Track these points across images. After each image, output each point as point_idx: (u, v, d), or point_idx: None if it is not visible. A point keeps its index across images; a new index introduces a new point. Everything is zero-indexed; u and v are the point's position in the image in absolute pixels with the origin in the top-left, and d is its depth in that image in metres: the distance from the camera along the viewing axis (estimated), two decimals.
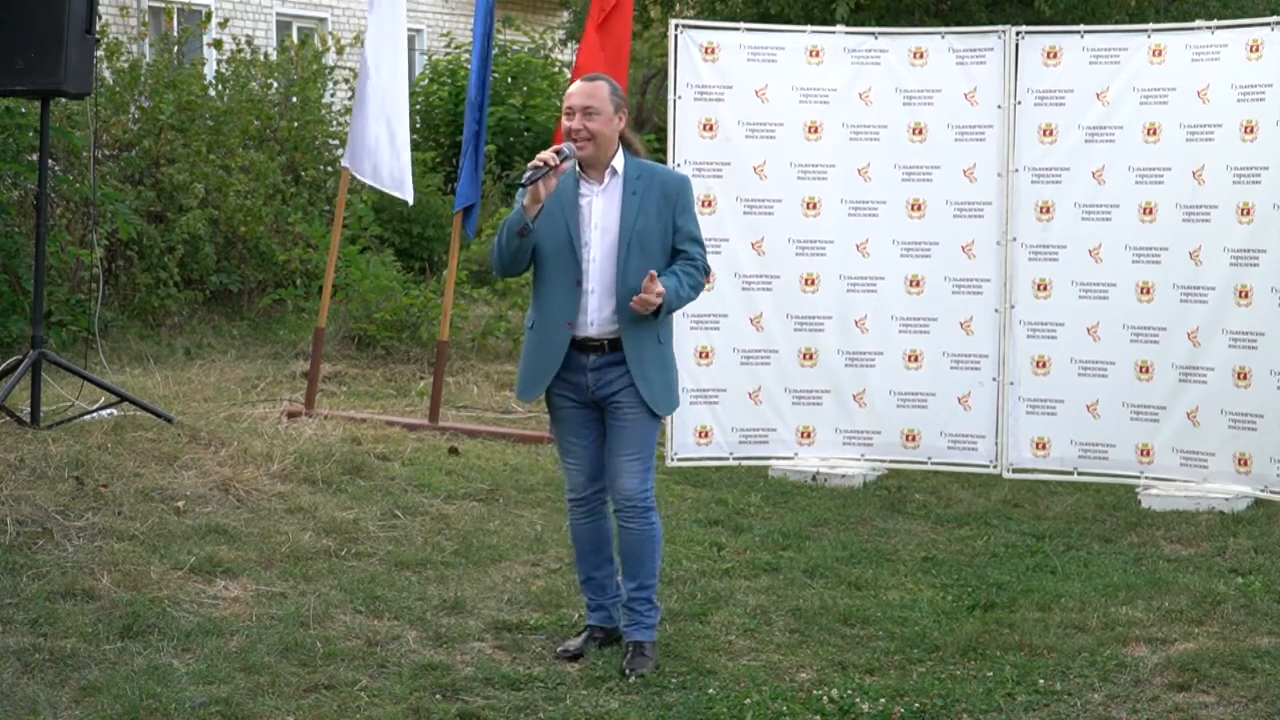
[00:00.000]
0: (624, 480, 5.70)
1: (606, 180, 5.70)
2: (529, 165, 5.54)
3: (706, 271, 5.80)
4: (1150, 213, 8.77)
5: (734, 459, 9.27)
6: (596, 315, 5.67)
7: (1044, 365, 9.02)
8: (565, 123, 5.66)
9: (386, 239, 14.93)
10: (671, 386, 5.79)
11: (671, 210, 5.70)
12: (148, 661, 5.52)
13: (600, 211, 5.68)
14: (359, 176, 10.12)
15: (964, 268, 9.13)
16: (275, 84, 14.88)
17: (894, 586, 6.88)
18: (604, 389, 5.69)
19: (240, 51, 14.78)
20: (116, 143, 12.86)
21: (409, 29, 21.22)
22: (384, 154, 9.94)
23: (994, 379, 9.10)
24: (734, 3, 14.97)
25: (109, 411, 8.49)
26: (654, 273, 5.55)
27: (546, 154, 5.54)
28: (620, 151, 5.72)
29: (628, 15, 9.53)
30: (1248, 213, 8.43)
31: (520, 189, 5.57)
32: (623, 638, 5.86)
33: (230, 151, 13.29)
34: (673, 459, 9.14)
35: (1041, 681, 5.62)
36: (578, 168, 5.71)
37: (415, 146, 17.41)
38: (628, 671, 5.64)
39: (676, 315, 8.83)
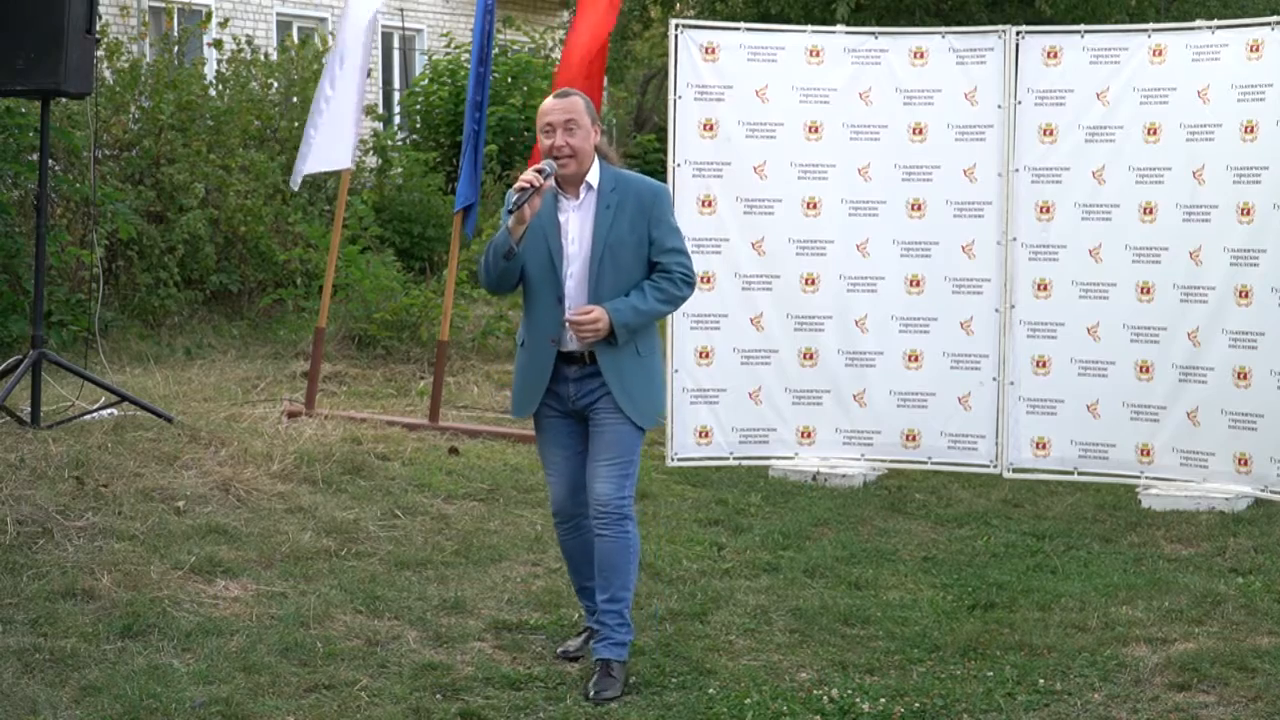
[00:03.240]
0: (599, 485, 5.58)
1: (582, 196, 5.61)
2: (513, 188, 5.45)
3: (688, 282, 5.62)
4: (1150, 213, 8.77)
5: (734, 459, 9.27)
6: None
7: (1044, 365, 9.02)
8: (545, 141, 5.54)
9: (386, 239, 14.93)
10: (655, 400, 5.68)
11: (646, 222, 5.58)
12: (148, 661, 5.52)
13: (576, 227, 5.59)
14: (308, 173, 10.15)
15: (964, 268, 9.13)
16: (275, 84, 14.89)
17: (894, 586, 6.88)
18: (585, 398, 5.62)
19: (240, 51, 14.79)
20: (116, 143, 12.86)
21: (410, 28, 21.39)
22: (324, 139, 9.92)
23: (994, 379, 9.10)
24: (734, 3, 14.97)
25: (109, 411, 8.49)
26: (586, 307, 5.48)
27: (529, 175, 5.44)
28: (596, 163, 5.63)
29: (608, 26, 9.52)
30: (1248, 213, 8.43)
31: (505, 213, 5.49)
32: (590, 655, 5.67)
33: (230, 151, 13.30)
34: (673, 459, 9.14)
35: (1041, 681, 5.62)
36: (556, 184, 5.61)
37: (415, 146, 17.44)
38: (591, 694, 5.38)
39: (676, 315, 8.93)
